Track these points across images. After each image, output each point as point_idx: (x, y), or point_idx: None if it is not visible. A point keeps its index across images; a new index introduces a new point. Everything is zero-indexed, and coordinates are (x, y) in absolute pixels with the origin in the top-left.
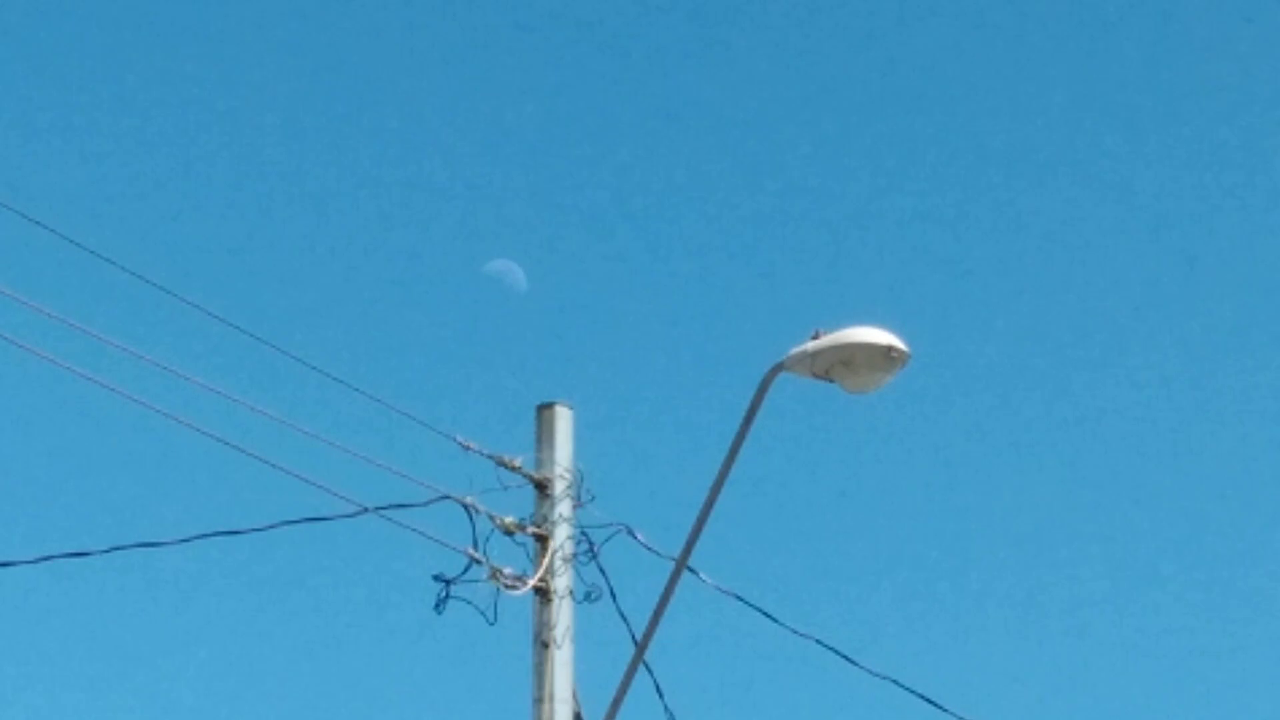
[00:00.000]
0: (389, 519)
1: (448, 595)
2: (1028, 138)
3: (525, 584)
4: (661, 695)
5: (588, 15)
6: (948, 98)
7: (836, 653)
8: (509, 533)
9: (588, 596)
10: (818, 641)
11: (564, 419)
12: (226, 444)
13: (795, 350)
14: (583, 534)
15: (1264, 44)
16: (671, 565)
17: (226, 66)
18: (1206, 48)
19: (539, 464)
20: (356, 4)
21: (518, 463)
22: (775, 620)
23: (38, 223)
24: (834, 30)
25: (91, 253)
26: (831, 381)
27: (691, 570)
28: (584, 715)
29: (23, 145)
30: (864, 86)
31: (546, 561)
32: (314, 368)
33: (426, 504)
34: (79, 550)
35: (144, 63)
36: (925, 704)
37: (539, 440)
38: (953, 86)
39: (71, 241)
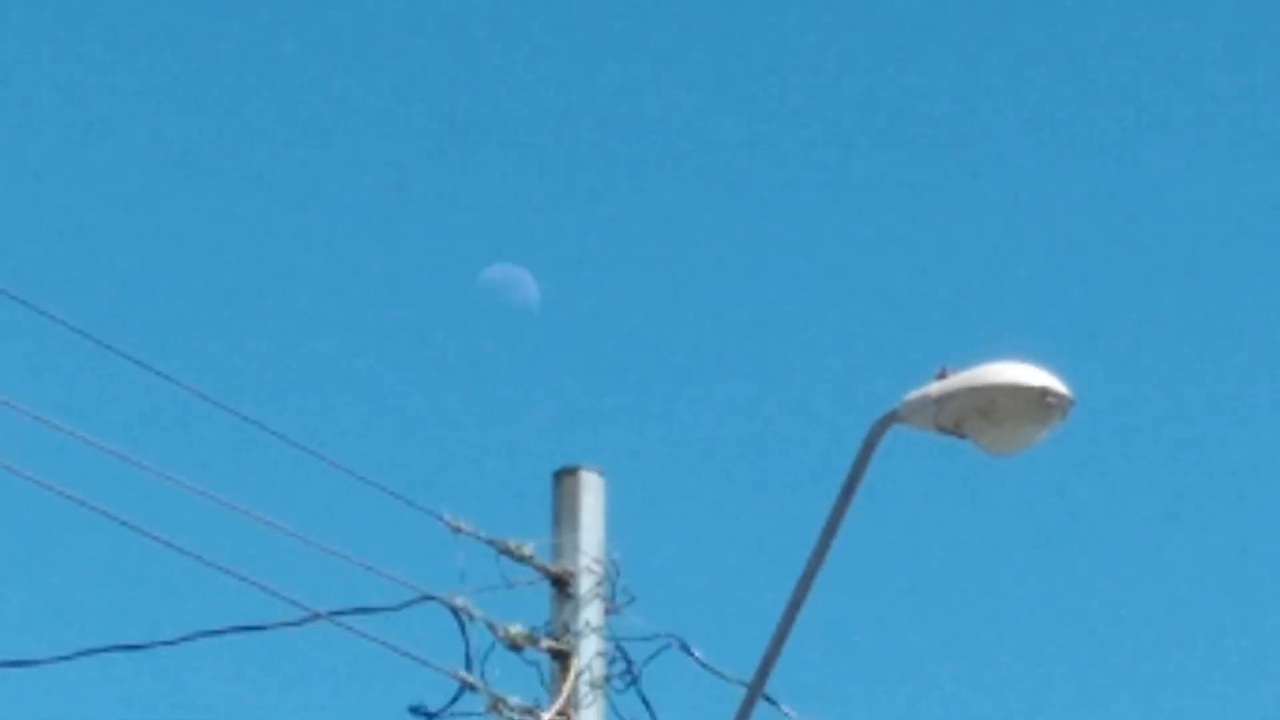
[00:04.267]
0: (348, 627)
1: None
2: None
3: (538, 719)
4: None
5: None
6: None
7: None
8: (516, 647)
9: None
10: None
11: (591, 490)
12: (118, 521)
13: (913, 395)
14: (618, 649)
15: None
16: (741, 692)
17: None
18: None
19: (557, 552)
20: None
21: (527, 550)
22: None
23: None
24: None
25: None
26: (963, 437)
27: (769, 699)
28: None
29: None
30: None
31: (569, 687)
32: (241, 415)
33: (400, 607)
34: None
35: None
36: None
37: (557, 519)
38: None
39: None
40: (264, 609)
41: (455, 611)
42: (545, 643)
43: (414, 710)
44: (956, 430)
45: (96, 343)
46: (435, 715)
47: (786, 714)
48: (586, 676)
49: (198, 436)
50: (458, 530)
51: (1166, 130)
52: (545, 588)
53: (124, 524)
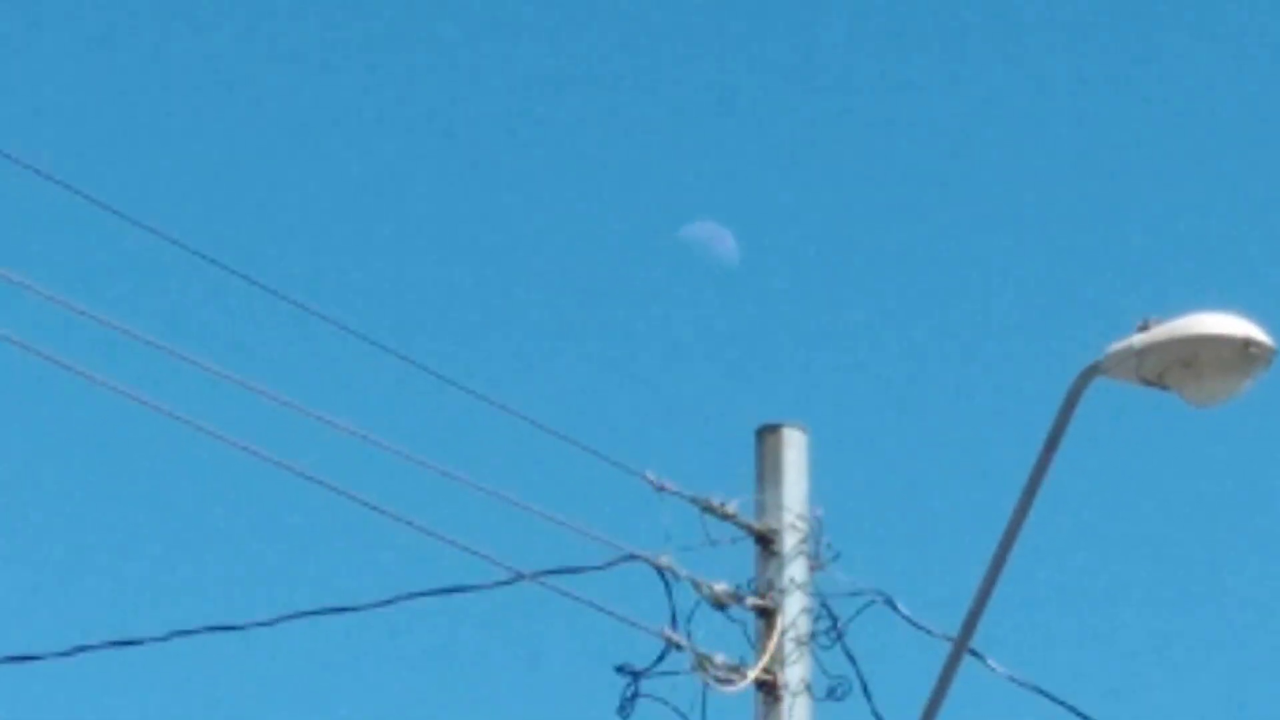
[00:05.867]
0: (553, 587)
1: (636, 693)
2: None
3: (744, 676)
4: None
5: None
6: None
7: None
8: (721, 605)
9: (831, 693)
10: None
11: (795, 446)
12: (328, 487)
13: (1116, 347)
14: (824, 606)
15: None
16: (947, 647)
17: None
18: None
19: (761, 509)
20: None
21: (731, 508)
22: None
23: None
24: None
25: (162, 237)
26: (1166, 389)
27: (975, 654)
28: None
29: None
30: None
31: (773, 645)
32: (444, 379)
33: (605, 567)
34: (130, 638)
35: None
36: None
37: (760, 477)
38: None
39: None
40: (470, 570)
41: (660, 570)
42: (750, 600)
43: (620, 669)
44: (1159, 382)
45: (291, 302)
46: (641, 674)
47: (993, 668)
48: (792, 634)
49: (403, 401)
50: (661, 489)
51: None
52: (749, 545)
53: (328, 487)
